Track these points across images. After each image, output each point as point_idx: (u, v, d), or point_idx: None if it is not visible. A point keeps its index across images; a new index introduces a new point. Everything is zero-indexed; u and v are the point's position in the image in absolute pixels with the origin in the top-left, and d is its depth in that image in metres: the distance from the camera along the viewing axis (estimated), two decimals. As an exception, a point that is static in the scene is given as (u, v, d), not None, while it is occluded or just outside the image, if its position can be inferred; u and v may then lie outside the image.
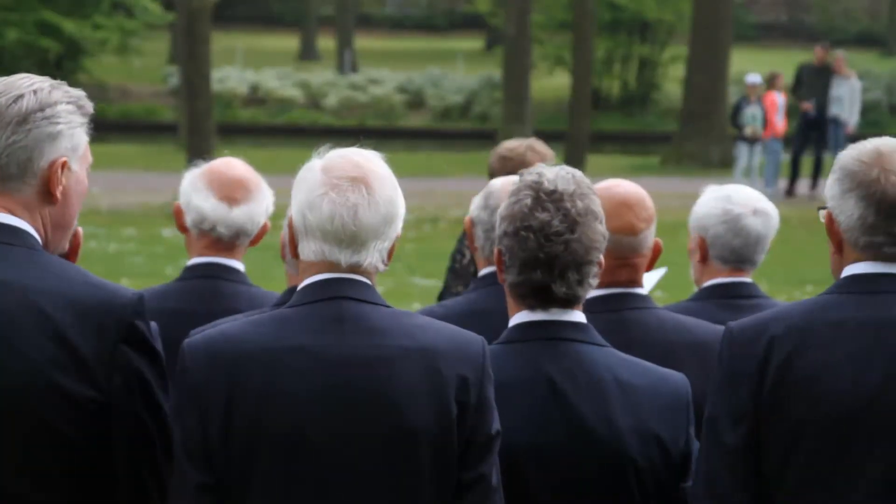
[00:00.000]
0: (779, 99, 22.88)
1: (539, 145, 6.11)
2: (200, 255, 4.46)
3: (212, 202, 4.40)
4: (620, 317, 3.82)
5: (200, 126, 20.52)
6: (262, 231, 4.47)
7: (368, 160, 3.13)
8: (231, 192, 4.40)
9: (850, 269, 3.23)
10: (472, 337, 3.13)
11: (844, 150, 3.27)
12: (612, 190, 3.89)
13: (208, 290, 4.41)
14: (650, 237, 3.91)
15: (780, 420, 3.15)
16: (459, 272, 6.31)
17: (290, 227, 3.16)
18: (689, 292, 4.59)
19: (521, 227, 3.26)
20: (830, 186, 3.25)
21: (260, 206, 4.44)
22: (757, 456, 3.16)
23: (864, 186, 3.19)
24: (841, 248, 3.25)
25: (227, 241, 4.42)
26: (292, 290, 4.26)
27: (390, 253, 3.14)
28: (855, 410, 3.12)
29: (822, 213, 3.30)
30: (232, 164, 4.47)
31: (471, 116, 35.40)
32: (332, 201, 3.07)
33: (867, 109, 30.22)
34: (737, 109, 23.07)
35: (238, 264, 4.47)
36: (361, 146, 3.19)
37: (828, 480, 3.13)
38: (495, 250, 3.33)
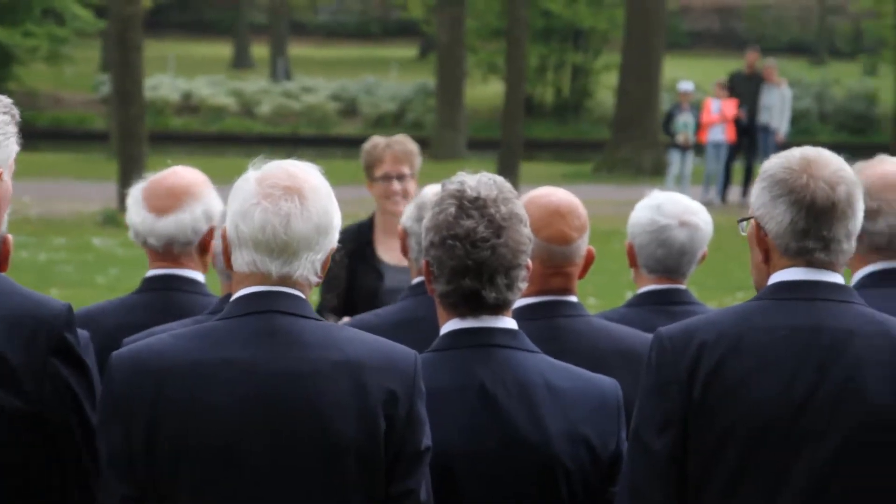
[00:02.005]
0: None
1: (402, 143, 6.29)
2: (154, 267, 4.43)
3: (142, 214, 4.38)
4: (552, 324, 3.84)
5: (132, 134, 20.40)
6: (207, 238, 4.41)
7: (303, 171, 3.13)
8: (158, 203, 4.36)
9: (781, 276, 3.25)
10: (404, 351, 3.13)
11: (769, 160, 3.30)
12: (544, 199, 3.90)
13: (161, 302, 4.37)
14: (583, 246, 3.92)
15: (708, 426, 3.16)
16: (329, 281, 6.27)
17: (224, 237, 3.15)
18: (623, 299, 4.61)
19: (448, 235, 3.26)
20: (758, 195, 3.26)
21: (191, 213, 4.37)
22: (684, 462, 3.18)
23: (795, 192, 3.21)
24: (768, 257, 3.27)
25: (165, 252, 4.38)
26: (227, 297, 4.25)
27: (324, 265, 3.14)
28: (783, 417, 3.14)
29: (744, 224, 3.32)
30: (168, 174, 4.43)
31: (405, 124, 35.40)
32: (265, 210, 3.06)
33: (797, 117, 30.50)
34: (669, 117, 23.21)
35: (194, 274, 4.41)
36: (298, 158, 3.18)
37: (755, 486, 3.15)
38: (423, 261, 3.33)
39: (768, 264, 3.27)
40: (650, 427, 3.19)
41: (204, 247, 4.40)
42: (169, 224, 4.35)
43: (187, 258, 4.39)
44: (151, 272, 4.42)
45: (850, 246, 3.25)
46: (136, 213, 4.39)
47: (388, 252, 6.19)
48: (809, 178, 3.21)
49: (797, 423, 3.14)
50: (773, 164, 3.27)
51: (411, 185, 6.29)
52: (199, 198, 4.39)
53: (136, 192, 4.43)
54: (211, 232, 4.39)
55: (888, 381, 3.15)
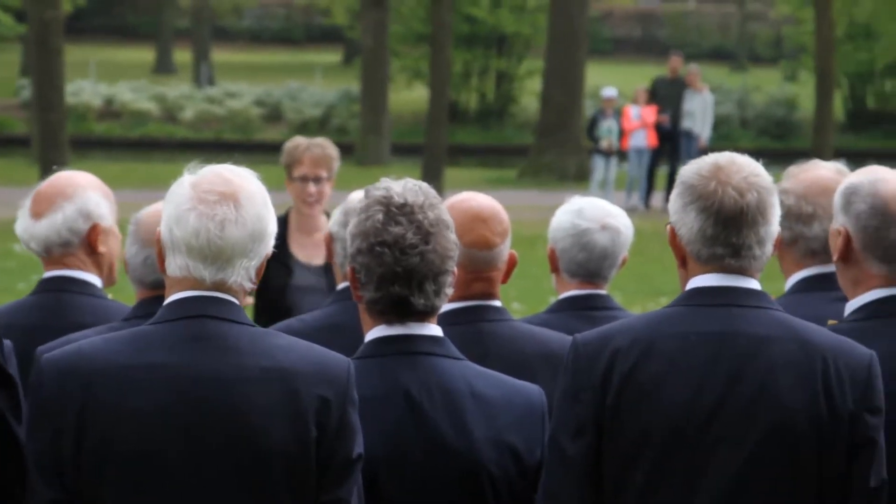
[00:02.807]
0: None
1: (322, 146, 6.49)
2: (49, 269, 4.41)
3: (25, 221, 4.39)
4: (476, 329, 3.85)
5: (53, 139, 20.22)
6: (91, 236, 4.35)
7: (239, 176, 3.11)
8: (35, 208, 4.37)
9: (695, 282, 3.27)
10: (337, 358, 3.12)
11: (686, 165, 3.32)
12: (465, 204, 3.91)
13: (53, 303, 4.35)
14: (505, 251, 3.93)
15: (622, 432, 3.18)
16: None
17: (158, 242, 3.13)
18: (547, 304, 4.62)
19: (376, 242, 3.26)
20: (673, 201, 3.29)
21: (63, 213, 4.32)
22: (600, 467, 3.19)
23: (703, 199, 3.23)
24: (685, 262, 3.30)
25: (48, 255, 4.35)
26: (142, 303, 4.22)
27: (259, 272, 3.12)
28: (695, 422, 3.16)
29: (668, 227, 3.35)
30: (50, 179, 4.43)
31: (329, 129, 35.31)
32: (200, 215, 3.05)
33: (719, 123, 30.72)
34: (593, 123, 23.32)
35: (85, 275, 4.37)
36: (234, 163, 3.17)
37: (669, 492, 3.17)
38: (348, 268, 3.32)
39: (686, 269, 3.30)
40: (565, 432, 3.21)
41: (91, 247, 4.35)
42: (42, 227, 4.33)
43: (73, 259, 4.35)
44: (46, 274, 4.41)
45: (764, 252, 3.26)
46: (21, 220, 4.40)
47: (301, 249, 6.31)
48: (718, 185, 3.23)
49: (710, 429, 3.16)
50: (687, 170, 3.30)
51: (327, 188, 6.49)
52: (73, 198, 4.34)
53: (25, 201, 4.43)
54: (95, 231, 4.33)
55: (801, 386, 3.18)
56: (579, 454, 3.19)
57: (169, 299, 3.09)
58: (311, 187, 6.41)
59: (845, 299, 3.71)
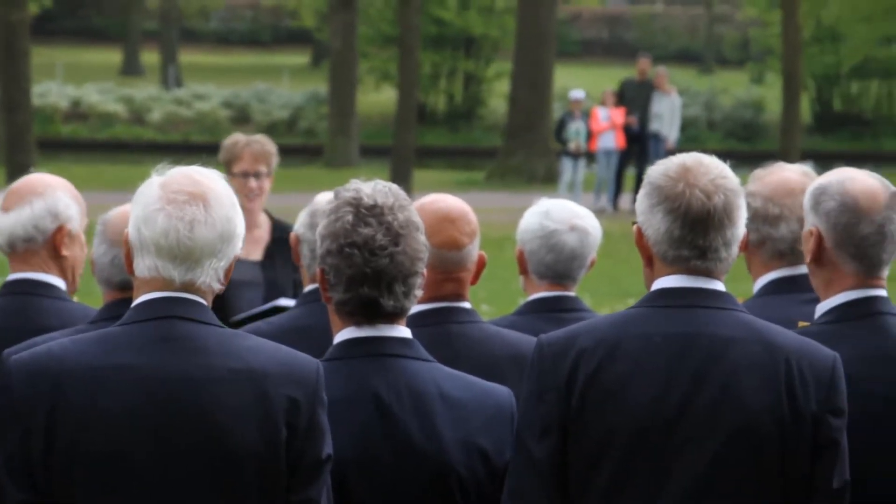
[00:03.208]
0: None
1: (261, 143, 6.60)
2: (14, 271, 4.38)
3: None
4: (445, 330, 3.85)
5: (20, 141, 20.13)
6: (56, 238, 4.33)
7: (208, 177, 3.11)
8: (6, 202, 4.35)
9: (660, 283, 3.28)
10: (307, 360, 3.11)
11: (653, 166, 3.33)
12: (434, 205, 3.90)
13: (18, 306, 4.32)
14: (474, 251, 3.93)
15: (587, 433, 3.18)
16: None
17: (126, 242, 3.11)
18: (516, 306, 4.63)
19: (346, 243, 3.25)
20: (640, 201, 3.30)
21: (31, 208, 4.30)
22: (565, 468, 3.20)
23: (670, 200, 3.24)
24: (651, 262, 3.30)
25: (12, 251, 4.33)
26: (109, 305, 4.20)
27: (227, 273, 3.11)
28: (659, 424, 3.16)
29: (635, 227, 3.36)
30: (24, 178, 4.42)
31: (297, 131, 35.29)
32: (168, 216, 3.04)
33: (686, 125, 30.81)
34: (561, 124, 23.37)
35: (51, 279, 4.35)
36: (202, 164, 3.17)
37: (634, 492, 3.17)
38: (317, 269, 3.31)
39: (652, 269, 3.30)
40: (531, 433, 3.21)
41: (55, 249, 4.33)
42: (9, 220, 4.31)
43: (36, 259, 4.32)
44: (9, 277, 4.39)
45: (730, 254, 3.27)
46: None
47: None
48: (686, 187, 3.23)
49: (674, 430, 3.16)
50: (654, 171, 3.30)
51: (267, 184, 6.62)
52: (43, 195, 4.33)
53: None
54: (61, 232, 4.32)
55: (765, 388, 3.18)
56: (545, 455, 3.19)
57: (137, 300, 3.08)
58: (252, 182, 6.52)
59: (814, 301, 3.72)
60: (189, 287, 3.06)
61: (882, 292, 3.54)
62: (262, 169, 6.57)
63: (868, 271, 3.53)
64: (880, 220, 3.50)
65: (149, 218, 3.05)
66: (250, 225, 6.52)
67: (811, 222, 3.57)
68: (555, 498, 3.19)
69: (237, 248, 3.11)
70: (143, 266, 3.07)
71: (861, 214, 3.51)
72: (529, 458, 3.20)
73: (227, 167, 6.61)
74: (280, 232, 6.51)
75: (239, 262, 6.58)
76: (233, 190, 6.76)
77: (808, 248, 3.58)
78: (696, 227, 3.23)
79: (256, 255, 6.46)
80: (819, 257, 3.56)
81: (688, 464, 3.16)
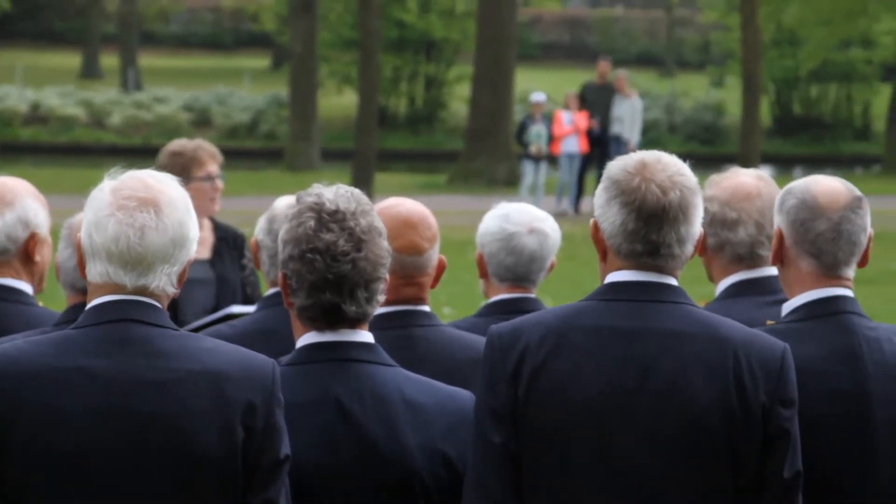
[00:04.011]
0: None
1: (207, 144, 6.55)
2: None
3: None
4: (407, 334, 3.85)
5: (-21, 145, 20.03)
6: (29, 245, 4.32)
7: (159, 182, 3.09)
8: None
9: (612, 276, 3.30)
10: (262, 361, 3.11)
11: (613, 161, 3.35)
12: (394, 209, 3.91)
13: None
14: (434, 256, 3.94)
15: (533, 424, 3.20)
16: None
17: (79, 247, 3.10)
18: (477, 309, 4.64)
19: (307, 249, 3.25)
20: (598, 195, 3.33)
21: (4, 220, 4.29)
22: (519, 457, 3.21)
23: (626, 194, 3.26)
24: (606, 256, 3.32)
25: None
26: (73, 308, 4.20)
27: (181, 277, 3.11)
28: (607, 417, 3.17)
29: (592, 221, 3.38)
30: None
31: (258, 135, 35.23)
32: (119, 222, 3.03)
33: (647, 128, 30.92)
34: (522, 128, 23.39)
35: (17, 283, 4.34)
36: (155, 168, 3.15)
37: (580, 486, 3.18)
38: (280, 274, 3.31)
39: (606, 264, 3.32)
40: (487, 423, 3.23)
41: (27, 255, 4.32)
42: None
43: (7, 268, 4.32)
44: None
45: (684, 251, 3.28)
46: None
47: None
48: (642, 181, 3.25)
49: (621, 424, 3.17)
50: (614, 165, 3.33)
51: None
52: (13, 205, 4.32)
53: None
54: (33, 240, 4.31)
55: (713, 380, 3.19)
56: (500, 444, 3.20)
57: (91, 304, 3.07)
58: (218, 183, 6.50)
59: (776, 303, 3.74)
60: (142, 291, 3.05)
61: (847, 292, 3.57)
62: (218, 169, 6.58)
63: (826, 270, 3.55)
64: (837, 219, 3.53)
65: (100, 223, 3.04)
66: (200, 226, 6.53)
67: (777, 223, 3.61)
68: (512, 487, 3.20)
69: (191, 252, 3.10)
70: (95, 272, 3.06)
71: (817, 212, 3.54)
72: (486, 447, 3.22)
73: (184, 173, 6.51)
74: (222, 231, 6.53)
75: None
76: (199, 194, 6.77)
77: (772, 247, 3.62)
78: (650, 222, 3.25)
79: (205, 253, 6.47)
80: (781, 257, 3.59)
81: (636, 457, 3.17)
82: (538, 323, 3.27)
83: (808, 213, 3.54)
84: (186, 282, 6.52)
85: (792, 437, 3.23)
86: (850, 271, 3.58)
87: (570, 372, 3.19)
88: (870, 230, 3.58)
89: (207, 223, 6.52)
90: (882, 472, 3.46)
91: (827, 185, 3.58)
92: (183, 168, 6.45)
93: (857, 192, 3.59)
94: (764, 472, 3.21)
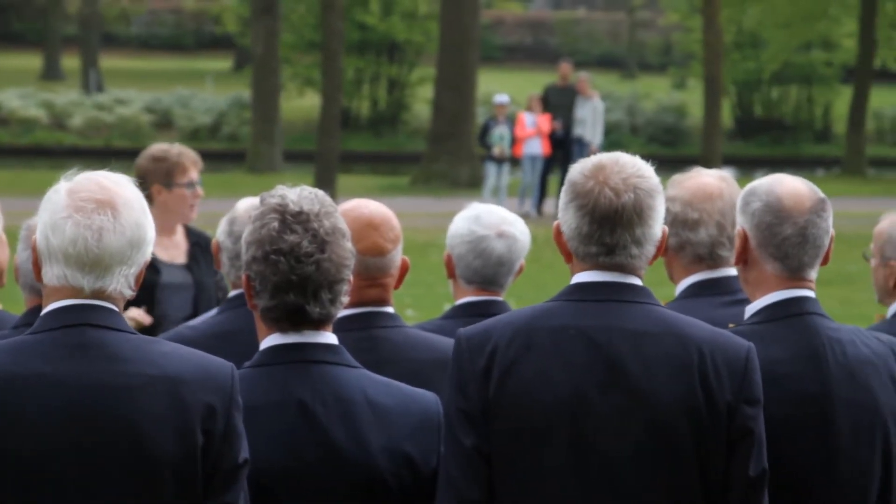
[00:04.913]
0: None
1: (189, 150, 6.51)
2: None
3: None
4: (370, 335, 3.85)
5: (-61, 147, 19.91)
6: None
7: (116, 183, 3.08)
8: None
9: (576, 278, 3.33)
10: (221, 364, 3.10)
11: (576, 164, 3.37)
12: (357, 211, 3.91)
13: None
14: (397, 257, 3.94)
15: (502, 424, 3.21)
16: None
17: (34, 250, 3.08)
18: (441, 310, 4.63)
19: (271, 250, 3.24)
20: (560, 198, 3.35)
21: None
22: (490, 456, 3.22)
23: (581, 197, 3.29)
24: (570, 258, 3.34)
25: None
26: (32, 311, 4.18)
27: (138, 279, 3.09)
28: (573, 416, 3.19)
29: (555, 224, 3.39)
30: None
31: (220, 137, 35.12)
32: (76, 224, 3.01)
33: (609, 130, 30.98)
34: (485, 129, 23.40)
35: None
36: (112, 169, 3.14)
37: (548, 485, 3.19)
38: (243, 276, 3.30)
39: (572, 265, 3.33)
40: (457, 423, 3.24)
41: None
42: None
43: None
44: None
45: (643, 252, 3.30)
46: None
47: (164, 250, 6.36)
48: (596, 185, 3.28)
49: (588, 423, 3.19)
50: (575, 168, 3.36)
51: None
52: None
53: None
54: None
55: (678, 380, 3.21)
56: (471, 444, 3.22)
57: (48, 308, 3.05)
58: (199, 190, 6.45)
59: (736, 303, 3.75)
60: (99, 294, 3.04)
61: (809, 293, 3.58)
62: (198, 176, 6.52)
63: (791, 273, 3.56)
64: (803, 223, 3.55)
65: (56, 226, 3.02)
66: (172, 230, 6.49)
67: (740, 223, 3.62)
68: (483, 486, 3.21)
69: (148, 253, 3.09)
70: (52, 274, 3.04)
71: (783, 215, 3.55)
72: (457, 447, 3.23)
73: (166, 179, 6.44)
74: (195, 237, 6.51)
75: (166, 266, 6.56)
76: (180, 200, 6.72)
77: (736, 248, 3.63)
78: (603, 224, 3.27)
79: (181, 258, 6.45)
80: (745, 258, 3.61)
81: (603, 456, 3.19)
82: (507, 324, 3.28)
83: (773, 217, 3.55)
84: (166, 286, 6.49)
85: (757, 435, 3.25)
86: (814, 273, 3.60)
87: (536, 373, 3.21)
88: (832, 231, 3.60)
89: (180, 228, 6.49)
90: (844, 473, 3.48)
91: (791, 187, 3.58)
92: (166, 173, 6.39)
93: (821, 194, 3.61)
94: (730, 470, 3.23)
